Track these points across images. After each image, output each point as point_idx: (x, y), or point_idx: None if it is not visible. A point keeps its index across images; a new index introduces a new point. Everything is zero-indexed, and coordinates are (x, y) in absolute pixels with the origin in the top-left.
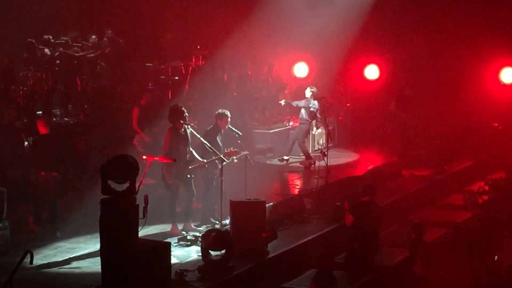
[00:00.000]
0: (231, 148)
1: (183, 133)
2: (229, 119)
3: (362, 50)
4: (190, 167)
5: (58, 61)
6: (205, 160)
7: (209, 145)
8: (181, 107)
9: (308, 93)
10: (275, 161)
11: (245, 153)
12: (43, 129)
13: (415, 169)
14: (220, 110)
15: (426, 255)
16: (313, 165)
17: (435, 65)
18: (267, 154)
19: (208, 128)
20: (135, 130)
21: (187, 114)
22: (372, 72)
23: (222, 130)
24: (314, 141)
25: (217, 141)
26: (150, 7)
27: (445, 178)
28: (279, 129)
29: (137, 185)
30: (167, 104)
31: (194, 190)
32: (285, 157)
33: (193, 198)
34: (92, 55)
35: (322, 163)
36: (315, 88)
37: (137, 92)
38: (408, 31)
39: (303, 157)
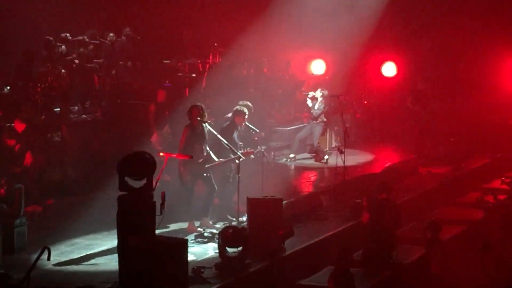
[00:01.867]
0: (248, 149)
1: (200, 130)
2: (246, 116)
3: (379, 47)
4: (207, 166)
5: (75, 59)
6: (222, 160)
7: (226, 142)
8: (200, 104)
9: (319, 94)
10: (285, 161)
11: (262, 148)
12: (20, 127)
13: (432, 166)
14: (238, 107)
15: (442, 253)
16: (326, 159)
17: (452, 62)
18: (284, 151)
19: (225, 125)
20: (151, 127)
21: (205, 112)
22: (389, 69)
23: (239, 127)
24: (331, 139)
25: (233, 138)
26: (168, 4)
27: (462, 176)
28: (296, 127)
29: (154, 181)
30: (184, 102)
31: (216, 186)
32: (291, 155)
33: (214, 193)
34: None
35: (339, 160)
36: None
37: (154, 89)
38: (424, 28)
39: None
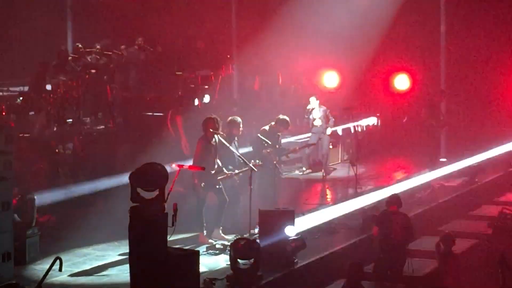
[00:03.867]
0: (258, 161)
1: (213, 142)
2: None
3: (392, 59)
4: (219, 178)
5: (88, 70)
6: (232, 172)
7: (239, 154)
8: (215, 116)
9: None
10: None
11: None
12: None
13: (445, 179)
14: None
15: (455, 266)
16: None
17: (466, 74)
18: (296, 164)
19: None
20: (180, 136)
21: (220, 124)
22: (402, 81)
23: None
24: (343, 151)
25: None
26: (181, 16)
27: (475, 189)
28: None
29: (166, 193)
30: (196, 113)
31: (227, 197)
32: (304, 169)
33: (225, 205)
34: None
35: (351, 172)
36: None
37: (166, 100)
38: (438, 40)
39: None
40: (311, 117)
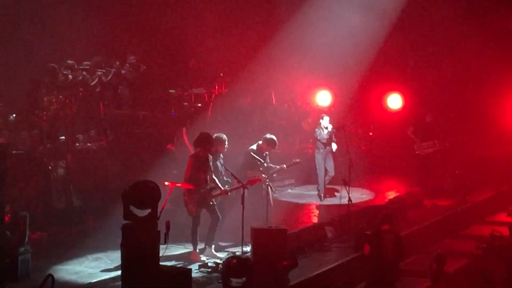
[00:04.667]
0: (257, 176)
1: (204, 159)
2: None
3: (385, 78)
4: (213, 194)
5: (80, 87)
6: (227, 189)
7: (232, 172)
8: (209, 134)
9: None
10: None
11: (267, 181)
12: None
13: (437, 199)
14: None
15: (447, 286)
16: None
17: (457, 93)
18: (285, 181)
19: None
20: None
21: (213, 142)
22: (394, 101)
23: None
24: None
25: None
26: (173, 34)
27: (467, 209)
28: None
29: (159, 210)
30: (188, 131)
31: (219, 215)
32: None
33: (218, 223)
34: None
35: (344, 192)
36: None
37: (159, 118)
38: (431, 60)
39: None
40: (322, 136)
